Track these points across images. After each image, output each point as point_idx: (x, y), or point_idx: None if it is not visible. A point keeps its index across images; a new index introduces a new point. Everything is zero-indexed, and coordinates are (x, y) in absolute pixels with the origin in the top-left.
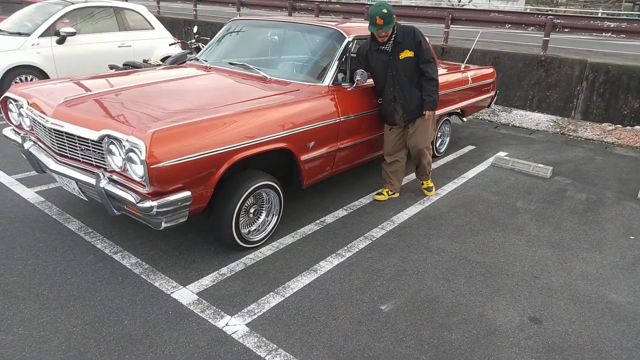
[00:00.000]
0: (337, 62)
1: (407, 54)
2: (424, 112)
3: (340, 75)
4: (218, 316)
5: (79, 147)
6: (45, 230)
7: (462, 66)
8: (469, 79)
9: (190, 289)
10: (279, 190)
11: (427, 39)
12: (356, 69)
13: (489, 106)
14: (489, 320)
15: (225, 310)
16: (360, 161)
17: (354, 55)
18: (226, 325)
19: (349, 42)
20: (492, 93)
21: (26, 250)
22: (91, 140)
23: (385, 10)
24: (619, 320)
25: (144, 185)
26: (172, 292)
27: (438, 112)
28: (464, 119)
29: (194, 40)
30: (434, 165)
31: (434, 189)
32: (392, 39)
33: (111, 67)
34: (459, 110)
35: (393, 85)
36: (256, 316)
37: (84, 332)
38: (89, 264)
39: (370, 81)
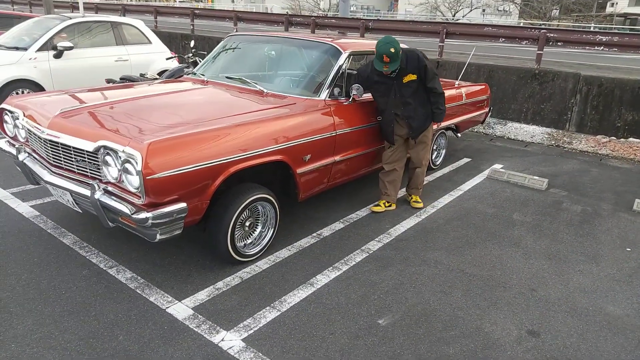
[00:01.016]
0: (333, 77)
1: (410, 77)
2: (432, 123)
3: (337, 90)
4: (214, 331)
5: (75, 158)
6: (40, 245)
7: (456, 83)
8: (463, 95)
9: (185, 304)
10: (275, 203)
11: (426, 56)
12: (353, 82)
13: (482, 122)
14: (486, 333)
15: (221, 325)
16: (356, 175)
17: (350, 71)
18: (222, 340)
19: (345, 58)
20: (486, 109)
21: (20, 265)
22: (87, 151)
23: (392, 50)
24: (617, 332)
25: (140, 197)
26: (167, 307)
27: (433, 127)
28: (459, 135)
29: (190, 55)
30: (430, 178)
31: (421, 203)
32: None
33: (108, 81)
34: (453, 126)
35: (395, 107)
36: (252, 331)
37: (78, 347)
38: (84, 278)
39: (366, 96)
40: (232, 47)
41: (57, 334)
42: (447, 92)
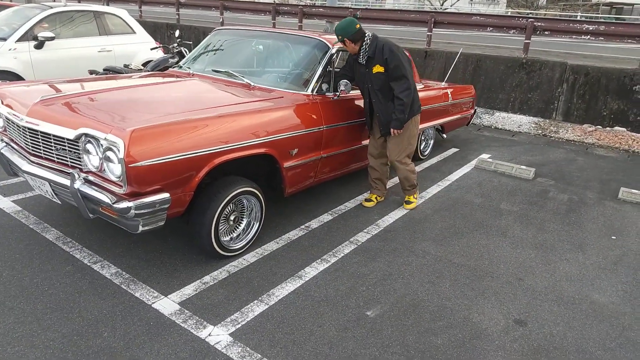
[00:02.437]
0: (320, 71)
1: (378, 68)
2: (391, 130)
3: (325, 86)
4: (201, 326)
5: (54, 147)
6: (22, 241)
7: (443, 84)
8: (449, 96)
9: (172, 299)
10: (260, 196)
11: (402, 54)
12: (343, 77)
13: (468, 124)
14: (474, 323)
15: (208, 320)
16: (343, 171)
17: (338, 69)
18: (209, 335)
19: (333, 53)
20: (472, 111)
21: (1, 261)
22: (67, 139)
23: (341, 24)
24: (602, 320)
25: (121, 186)
26: (153, 303)
27: (419, 126)
28: (444, 135)
29: (175, 44)
30: (418, 168)
31: (413, 204)
32: (365, 52)
33: (91, 72)
34: (439, 126)
35: (369, 97)
36: (240, 325)
37: (61, 345)
38: (67, 274)
39: (354, 92)
40: (219, 42)
41: (39, 331)
42: (434, 93)
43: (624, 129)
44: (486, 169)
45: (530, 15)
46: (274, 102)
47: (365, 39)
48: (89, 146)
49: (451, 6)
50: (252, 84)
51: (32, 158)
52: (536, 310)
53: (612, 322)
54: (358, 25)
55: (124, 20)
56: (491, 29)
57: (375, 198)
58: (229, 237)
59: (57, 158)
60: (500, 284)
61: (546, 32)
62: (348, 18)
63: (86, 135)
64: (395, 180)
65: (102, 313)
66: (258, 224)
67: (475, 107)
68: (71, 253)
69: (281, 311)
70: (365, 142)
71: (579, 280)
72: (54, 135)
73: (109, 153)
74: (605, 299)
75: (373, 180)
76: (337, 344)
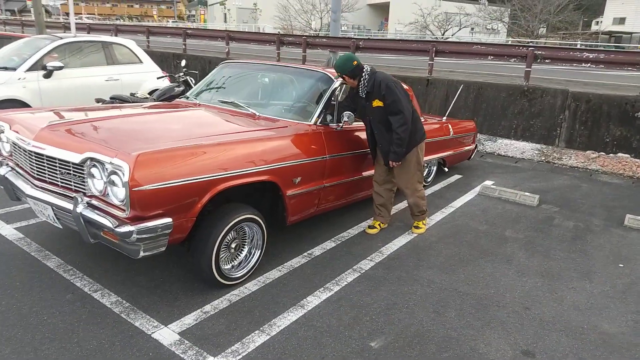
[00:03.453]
0: (324, 103)
1: (377, 103)
2: (415, 147)
3: (329, 117)
4: (201, 357)
5: (59, 171)
6: (23, 269)
7: (444, 119)
8: (450, 130)
9: (171, 329)
10: (262, 224)
11: (400, 89)
12: (346, 108)
13: (469, 158)
14: (481, 354)
15: (208, 351)
16: (346, 201)
17: (341, 101)
18: None
19: (336, 86)
20: (473, 146)
21: (0, 289)
22: (73, 163)
23: (339, 61)
24: (613, 351)
25: (124, 210)
26: (152, 332)
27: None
28: (446, 169)
29: (181, 74)
30: None
31: (422, 230)
32: (364, 87)
33: (98, 100)
34: (441, 160)
35: (371, 129)
36: (240, 356)
37: None
38: (67, 303)
39: (357, 124)
40: (226, 74)
41: None
42: (435, 127)
43: (627, 156)
44: (490, 195)
45: (530, 44)
46: (278, 131)
47: (364, 74)
48: (93, 170)
49: (452, 35)
50: (257, 113)
51: (37, 182)
52: (544, 340)
53: (623, 353)
54: (355, 62)
55: (131, 50)
56: (492, 57)
57: (379, 225)
58: (230, 265)
59: (62, 182)
60: (507, 313)
61: (547, 60)
62: (345, 55)
63: (92, 159)
64: (399, 207)
65: (100, 343)
66: (260, 251)
67: (477, 143)
68: (72, 281)
69: (283, 342)
70: (367, 173)
71: (587, 310)
72: (59, 160)
73: (113, 177)
74: (615, 329)
75: (377, 207)
76: None
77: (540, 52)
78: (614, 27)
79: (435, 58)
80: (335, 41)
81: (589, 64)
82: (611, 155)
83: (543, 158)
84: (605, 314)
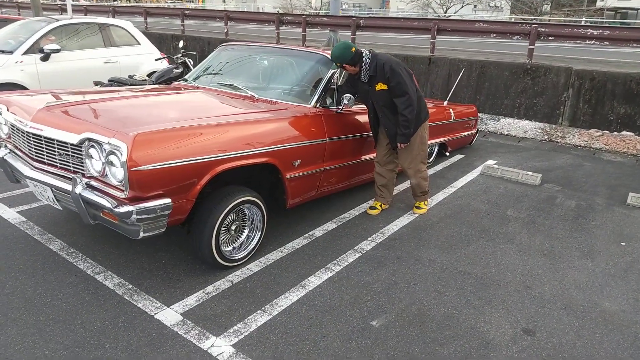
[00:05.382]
0: (324, 86)
1: (381, 86)
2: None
3: (328, 100)
4: (203, 337)
5: (58, 152)
6: (26, 252)
7: (445, 103)
8: (452, 115)
9: (174, 309)
10: (262, 206)
11: (403, 70)
12: (347, 91)
13: (470, 143)
14: (481, 333)
15: (210, 331)
16: (346, 185)
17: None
18: (211, 346)
19: (336, 68)
20: (474, 130)
21: (4, 273)
22: (71, 144)
23: (335, 52)
24: (613, 329)
25: (123, 190)
26: (155, 313)
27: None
28: (447, 153)
29: (180, 55)
30: None
31: (423, 210)
32: (367, 71)
33: (96, 83)
34: (442, 145)
35: (374, 113)
36: (243, 336)
37: (63, 357)
38: (70, 285)
39: (357, 106)
40: (224, 57)
41: (41, 343)
42: (436, 110)
43: (631, 134)
44: (492, 175)
45: (534, 21)
46: (277, 113)
47: (364, 58)
48: (92, 151)
49: (455, 13)
50: (257, 96)
51: (35, 164)
52: (544, 319)
53: (623, 331)
54: (353, 49)
55: (128, 32)
56: (495, 35)
57: (380, 206)
58: (231, 246)
59: (60, 163)
60: (508, 292)
61: (550, 38)
62: (341, 43)
63: (90, 139)
64: (400, 187)
65: (104, 324)
66: (260, 233)
67: (478, 128)
68: (75, 264)
69: (284, 322)
70: (367, 156)
71: (588, 288)
72: (57, 141)
73: (111, 157)
74: (616, 307)
75: (378, 187)
76: (341, 355)
77: (543, 29)
78: (619, 3)
79: (437, 36)
80: (336, 20)
81: (593, 41)
82: (615, 133)
83: (546, 137)
84: (606, 292)
